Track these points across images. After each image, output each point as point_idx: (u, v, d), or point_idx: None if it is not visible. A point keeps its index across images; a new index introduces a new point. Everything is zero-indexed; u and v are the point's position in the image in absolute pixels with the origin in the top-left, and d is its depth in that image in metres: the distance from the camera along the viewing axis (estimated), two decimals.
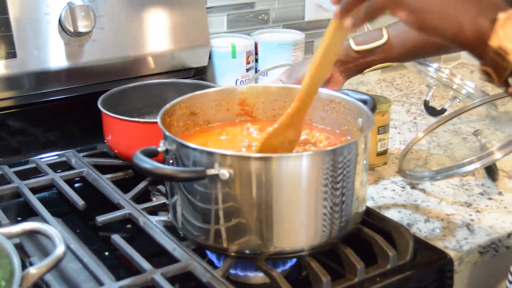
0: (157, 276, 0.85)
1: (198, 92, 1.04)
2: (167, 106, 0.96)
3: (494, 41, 0.72)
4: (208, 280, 0.84)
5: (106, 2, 1.24)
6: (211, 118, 1.05)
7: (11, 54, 1.16)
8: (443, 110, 1.50)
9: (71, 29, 1.18)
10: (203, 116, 1.04)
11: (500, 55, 0.72)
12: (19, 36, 1.16)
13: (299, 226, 0.87)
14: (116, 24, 1.26)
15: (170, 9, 1.32)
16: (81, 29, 1.18)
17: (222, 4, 1.50)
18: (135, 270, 0.92)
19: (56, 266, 0.75)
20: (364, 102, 1.00)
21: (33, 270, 0.74)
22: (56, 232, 0.79)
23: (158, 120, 0.92)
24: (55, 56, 1.21)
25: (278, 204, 0.83)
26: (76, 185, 1.18)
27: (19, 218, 1.07)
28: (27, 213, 1.08)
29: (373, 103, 1.00)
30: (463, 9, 0.74)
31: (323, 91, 1.03)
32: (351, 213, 0.90)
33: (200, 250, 0.93)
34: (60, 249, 0.76)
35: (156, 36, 1.31)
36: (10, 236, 0.79)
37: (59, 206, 1.12)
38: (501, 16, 0.72)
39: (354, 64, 1.16)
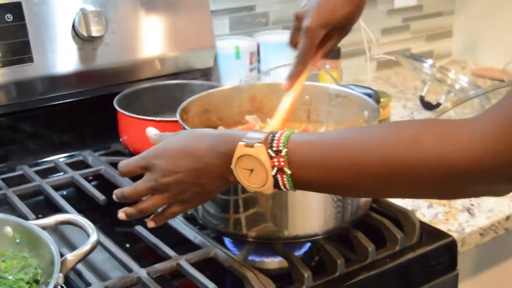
0: (183, 261, 0.90)
1: (211, 91, 1.10)
2: (184, 103, 1.02)
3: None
4: (231, 264, 0.89)
5: (116, 8, 1.29)
6: (224, 115, 1.10)
7: (28, 59, 1.21)
8: (438, 104, 1.56)
9: (85, 34, 1.23)
10: (216, 112, 1.09)
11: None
12: (35, 42, 1.21)
13: (312, 212, 0.93)
14: (126, 28, 1.31)
15: (177, 14, 1.37)
16: (94, 33, 1.23)
17: (224, 7, 1.55)
18: (155, 260, 0.97)
19: (90, 253, 0.81)
20: (368, 96, 1.06)
21: (70, 257, 0.79)
22: (88, 222, 0.85)
23: (177, 116, 0.97)
24: (69, 60, 1.26)
25: (292, 192, 0.89)
26: (93, 183, 1.22)
27: (40, 216, 1.11)
28: (50, 209, 1.13)
29: (377, 97, 1.07)
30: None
31: (330, 86, 1.09)
32: (361, 199, 0.96)
33: (218, 239, 0.99)
34: (93, 237, 0.82)
35: (164, 39, 1.36)
36: (44, 227, 0.84)
37: (77, 203, 1.16)
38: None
39: None
